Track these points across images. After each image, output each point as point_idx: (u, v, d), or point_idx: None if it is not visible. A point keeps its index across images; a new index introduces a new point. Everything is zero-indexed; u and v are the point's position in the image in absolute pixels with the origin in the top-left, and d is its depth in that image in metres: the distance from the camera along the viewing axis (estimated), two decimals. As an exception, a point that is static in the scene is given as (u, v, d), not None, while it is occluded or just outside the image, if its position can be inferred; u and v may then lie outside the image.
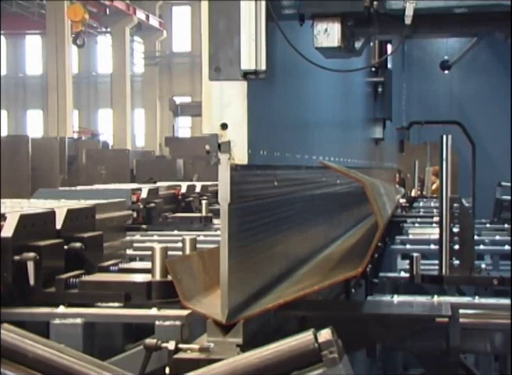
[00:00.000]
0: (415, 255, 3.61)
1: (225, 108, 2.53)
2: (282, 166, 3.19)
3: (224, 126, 2.51)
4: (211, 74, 2.53)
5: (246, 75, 2.53)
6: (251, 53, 2.52)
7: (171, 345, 2.49)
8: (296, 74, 3.43)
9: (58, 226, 3.29)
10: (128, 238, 4.70)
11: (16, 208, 3.50)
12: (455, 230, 3.86)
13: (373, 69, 7.17)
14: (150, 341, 2.60)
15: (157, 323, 2.77)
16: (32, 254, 2.94)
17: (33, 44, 40.43)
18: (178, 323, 2.75)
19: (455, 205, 3.88)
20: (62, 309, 2.89)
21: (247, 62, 2.52)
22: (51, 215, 3.28)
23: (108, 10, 31.11)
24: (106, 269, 3.33)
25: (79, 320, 2.82)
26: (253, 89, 2.57)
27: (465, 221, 3.88)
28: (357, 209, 6.04)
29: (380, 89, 7.45)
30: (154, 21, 35.21)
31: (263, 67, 2.53)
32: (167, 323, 2.76)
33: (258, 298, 2.79)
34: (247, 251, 2.71)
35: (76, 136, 28.36)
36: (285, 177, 3.29)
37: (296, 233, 3.52)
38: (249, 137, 2.53)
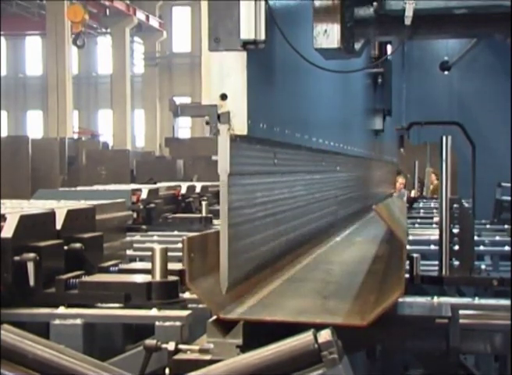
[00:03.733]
0: (415, 255, 3.60)
1: (225, 79, 2.52)
2: (282, 142, 3.18)
3: (224, 97, 2.51)
4: (210, 45, 2.53)
5: (245, 45, 2.53)
6: (250, 23, 2.52)
7: (171, 346, 2.49)
8: (297, 56, 3.41)
9: (59, 226, 3.30)
10: (128, 239, 4.70)
11: (16, 208, 3.51)
12: (455, 230, 3.85)
13: (372, 60, 7.08)
14: (150, 341, 2.60)
15: (157, 323, 2.77)
16: (32, 254, 2.94)
17: (33, 45, 40.41)
18: (178, 323, 2.75)
19: (455, 205, 3.88)
20: (62, 310, 2.90)
21: (247, 32, 2.52)
22: (51, 215, 3.28)
23: (108, 11, 31.10)
24: (106, 270, 3.34)
25: (79, 321, 2.83)
26: (253, 61, 2.58)
27: (465, 222, 3.88)
28: (356, 197, 6.07)
29: (380, 80, 7.42)
30: (154, 21, 35.20)
31: (262, 37, 2.52)
32: (167, 323, 2.76)
33: (258, 272, 2.80)
34: (246, 217, 2.72)
35: (76, 136, 28.35)
36: (285, 156, 3.29)
37: (295, 214, 3.54)
38: (248, 108, 2.53)
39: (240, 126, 2.51)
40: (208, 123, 2.51)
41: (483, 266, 4.18)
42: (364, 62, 6.77)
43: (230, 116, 2.50)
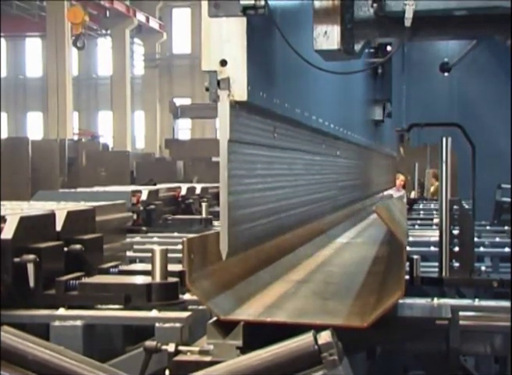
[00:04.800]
0: (415, 257, 3.59)
1: (225, 45, 2.51)
2: (282, 117, 3.17)
3: (223, 63, 2.50)
4: (210, 10, 2.52)
5: (245, 10, 2.51)
6: None
7: (171, 347, 2.49)
8: (297, 29, 3.40)
9: (59, 228, 3.29)
10: (128, 240, 4.70)
11: (16, 210, 3.50)
12: (455, 232, 3.85)
13: (372, 50, 7.00)
14: (150, 343, 2.60)
15: (157, 325, 2.77)
16: (32, 256, 2.94)
17: (33, 46, 40.40)
18: (178, 325, 2.75)
19: (455, 207, 3.88)
20: (61, 311, 2.89)
21: None
22: (51, 217, 3.28)
23: (108, 12, 31.09)
24: (106, 271, 3.33)
25: (79, 322, 2.82)
26: (253, 27, 2.57)
27: (465, 223, 3.88)
28: (355, 185, 6.06)
29: (380, 70, 7.38)
30: (154, 23, 35.20)
31: (262, 2, 2.51)
32: (167, 325, 2.76)
33: (257, 245, 2.77)
34: (246, 187, 2.74)
35: (76, 138, 28.34)
36: (285, 132, 3.29)
37: (295, 192, 3.60)
38: (248, 75, 2.52)
39: (240, 92, 2.50)
40: (207, 90, 2.50)
41: (483, 268, 4.17)
42: (365, 54, 6.70)
43: (230, 81, 2.49)
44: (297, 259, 3.89)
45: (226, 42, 2.51)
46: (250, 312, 2.67)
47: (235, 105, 2.52)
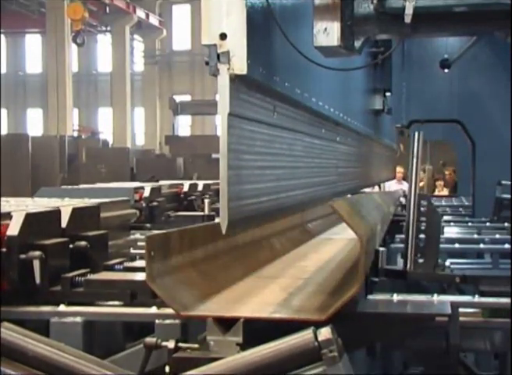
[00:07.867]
0: (381, 249, 3.55)
1: (225, 18, 2.50)
2: (282, 95, 3.16)
3: (223, 36, 2.48)
4: None
5: None
6: None
7: (171, 344, 2.49)
8: (298, 9, 3.38)
9: (64, 224, 3.29)
10: (132, 237, 4.70)
11: (21, 206, 3.50)
12: (422, 227, 3.83)
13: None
14: (150, 339, 2.60)
15: (157, 321, 2.77)
16: (38, 252, 2.94)
17: (33, 43, 40.37)
18: (178, 321, 2.75)
19: (423, 202, 3.86)
20: (62, 308, 2.89)
21: None
22: (56, 213, 3.28)
23: (108, 9, 31.06)
24: (111, 268, 3.34)
25: (79, 319, 2.82)
26: (253, 2, 2.57)
27: (432, 219, 3.86)
28: (355, 173, 6.03)
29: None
30: (154, 20, 35.17)
31: None
32: (167, 321, 2.76)
33: (256, 222, 2.75)
34: (245, 163, 2.73)
35: (76, 134, 28.31)
36: (285, 112, 3.28)
37: (295, 173, 3.59)
38: (248, 49, 2.50)
39: (240, 65, 2.48)
40: (207, 63, 2.49)
41: (447, 263, 4.15)
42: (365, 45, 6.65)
43: (230, 55, 2.47)
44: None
45: (226, 15, 2.49)
46: (212, 307, 2.68)
47: (234, 79, 2.50)
